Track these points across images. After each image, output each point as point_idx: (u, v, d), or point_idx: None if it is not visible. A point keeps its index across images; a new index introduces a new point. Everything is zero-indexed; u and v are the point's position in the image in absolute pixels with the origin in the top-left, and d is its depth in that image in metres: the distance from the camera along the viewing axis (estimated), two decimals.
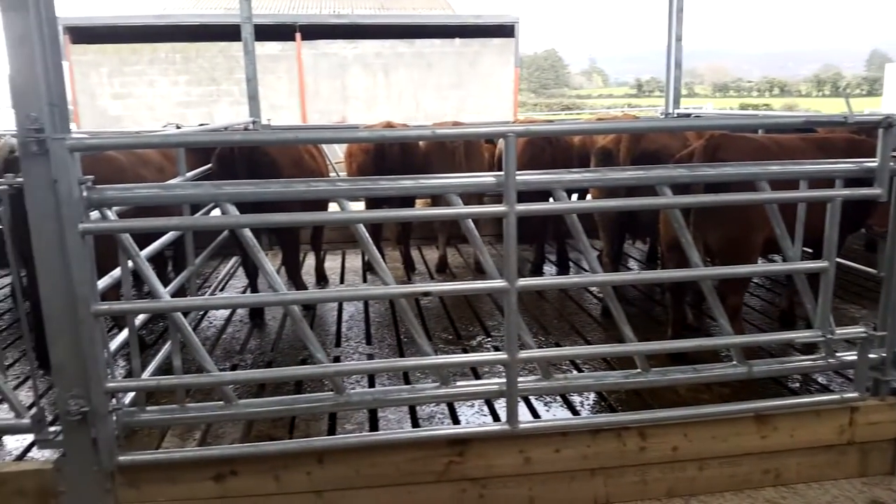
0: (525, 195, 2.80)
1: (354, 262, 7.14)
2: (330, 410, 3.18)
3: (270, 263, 2.84)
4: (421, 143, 6.05)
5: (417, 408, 3.62)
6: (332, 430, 3.55)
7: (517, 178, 2.77)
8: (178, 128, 6.05)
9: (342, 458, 2.91)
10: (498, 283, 2.87)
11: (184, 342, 2.89)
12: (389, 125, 6.45)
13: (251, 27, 7.95)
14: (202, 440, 3.49)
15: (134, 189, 2.72)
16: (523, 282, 2.90)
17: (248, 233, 2.69)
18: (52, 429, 2.86)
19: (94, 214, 2.68)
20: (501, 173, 2.79)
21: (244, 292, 6.06)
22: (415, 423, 3.53)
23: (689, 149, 4.04)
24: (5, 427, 2.89)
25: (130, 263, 2.82)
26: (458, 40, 19.23)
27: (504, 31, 19.78)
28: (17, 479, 2.81)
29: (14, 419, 2.83)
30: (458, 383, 3.02)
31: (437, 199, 5.93)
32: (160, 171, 4.60)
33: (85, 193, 2.58)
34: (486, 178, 2.91)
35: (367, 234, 2.79)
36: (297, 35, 17.24)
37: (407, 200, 5.86)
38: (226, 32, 16.69)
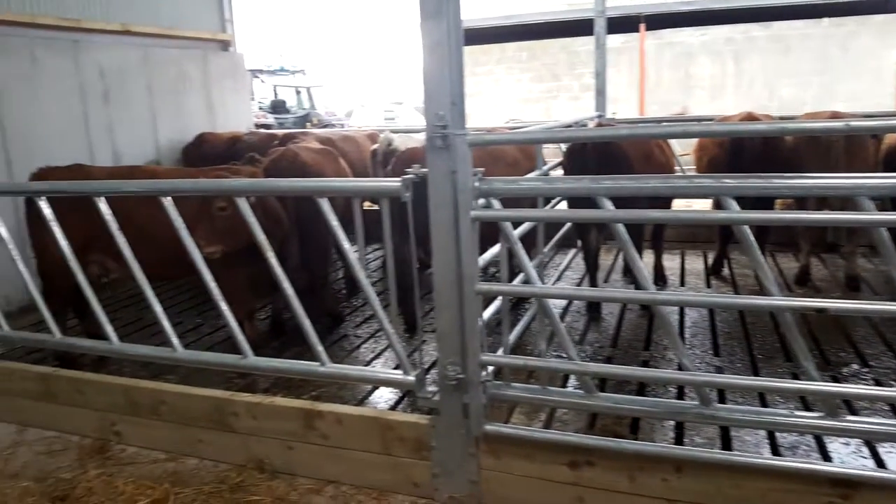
0: None
1: (695, 263, 6.77)
2: (696, 421, 3.05)
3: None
4: (787, 136, 5.44)
5: (777, 435, 3.31)
6: (678, 439, 3.43)
7: None
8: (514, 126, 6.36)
9: (703, 473, 2.76)
10: None
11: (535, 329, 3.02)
12: (751, 116, 5.94)
13: (604, 21, 8.00)
14: (547, 423, 3.65)
15: (518, 181, 2.92)
16: None
17: (621, 228, 2.69)
18: (429, 389, 3.24)
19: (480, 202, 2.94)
20: None
21: (579, 284, 6.18)
22: (774, 451, 3.23)
23: None
24: (394, 381, 3.36)
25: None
26: (825, 20, 16.90)
27: (889, 6, 16.79)
28: (400, 428, 3.25)
29: (401, 375, 3.26)
30: (848, 418, 2.62)
31: (801, 201, 5.30)
32: (513, 165, 4.86)
33: (476, 184, 2.84)
34: None
35: (753, 238, 2.57)
36: (642, 26, 16.89)
37: (764, 201, 5.32)
38: (570, 28, 17.13)
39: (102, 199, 3.64)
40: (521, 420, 3.64)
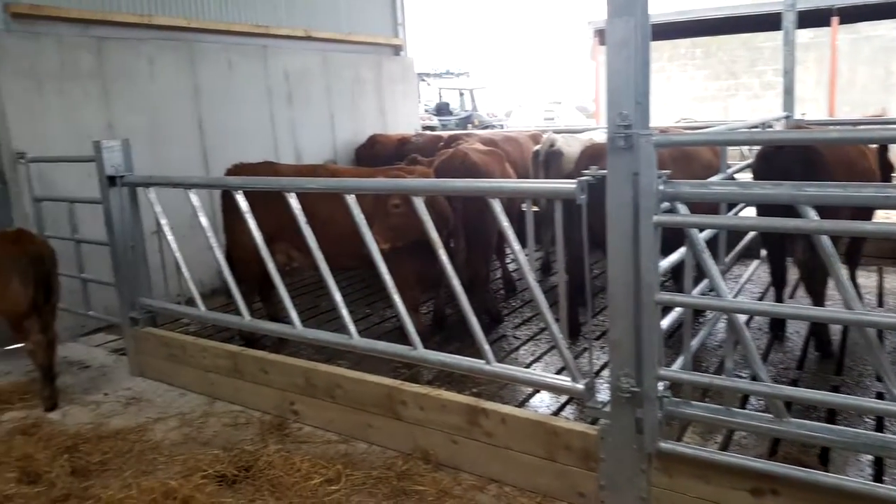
0: None
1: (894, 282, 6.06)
2: None
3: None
4: None
5: None
6: (877, 477, 3.08)
7: None
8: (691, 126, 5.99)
9: None
10: None
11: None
12: None
13: (793, 15, 7.37)
14: (724, 446, 3.42)
15: (709, 185, 2.74)
16: None
17: (826, 240, 2.44)
18: (599, 399, 3.15)
19: (665, 206, 2.80)
20: None
21: (760, 299, 5.73)
22: None
23: None
24: (561, 387, 3.30)
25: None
26: None
27: None
28: (567, 435, 3.18)
29: (570, 383, 3.19)
30: None
31: None
32: (707, 167, 4.59)
33: (661, 187, 2.71)
34: None
35: None
36: (834, 19, 15.41)
37: None
38: (752, 23, 16.01)
39: (293, 194, 3.91)
40: (694, 440, 3.46)
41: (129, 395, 4.76)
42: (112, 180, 4.78)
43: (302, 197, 4.00)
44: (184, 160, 6.75)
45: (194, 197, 4.44)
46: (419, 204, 3.48)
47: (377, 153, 8.26)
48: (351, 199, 3.68)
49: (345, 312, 3.82)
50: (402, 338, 3.70)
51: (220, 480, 3.46)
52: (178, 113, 6.78)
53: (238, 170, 5.33)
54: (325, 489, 3.32)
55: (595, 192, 2.93)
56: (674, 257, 3.16)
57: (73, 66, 5.92)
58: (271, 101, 7.83)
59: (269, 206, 4.41)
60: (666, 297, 2.77)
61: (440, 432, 3.53)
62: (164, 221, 4.65)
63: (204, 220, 4.44)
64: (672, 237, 3.09)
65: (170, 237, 4.64)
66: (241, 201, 4.19)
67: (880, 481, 2.96)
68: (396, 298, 3.65)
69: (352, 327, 3.83)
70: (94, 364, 5.39)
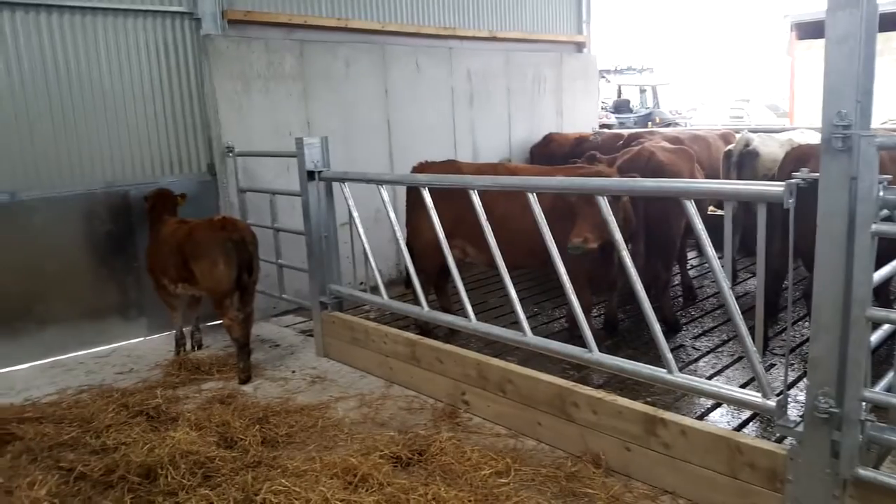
0: None
1: None
2: None
3: None
4: None
5: None
6: None
7: None
8: None
9: None
10: None
11: None
12: None
13: None
14: None
15: None
16: None
17: None
18: (792, 417, 2.92)
19: (883, 213, 2.54)
20: None
21: None
22: None
23: None
24: (750, 403, 3.09)
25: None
26: None
27: None
28: (752, 453, 2.99)
29: (760, 398, 2.99)
30: None
31: None
32: None
33: (881, 193, 2.46)
34: None
35: None
36: None
37: None
38: None
39: (475, 191, 4.02)
40: (893, 469, 3.09)
41: (315, 373, 5.15)
42: (311, 175, 5.19)
43: (481, 194, 4.10)
44: (371, 157, 7.19)
45: (385, 192, 4.71)
46: (603, 204, 3.43)
47: (552, 152, 8.25)
48: (532, 197, 3.71)
49: (520, 309, 3.86)
50: (571, 339, 3.68)
51: (396, 461, 3.61)
52: (368, 113, 7.23)
53: (424, 167, 5.56)
54: (494, 481, 3.38)
55: (802, 196, 2.73)
56: (885, 270, 2.85)
57: (279, 68, 6.51)
58: (454, 101, 8.09)
59: (448, 202, 4.57)
60: (881, 313, 2.51)
61: (613, 438, 3.46)
62: (355, 214, 4.97)
63: (392, 214, 4.69)
64: (884, 249, 2.78)
65: (360, 229, 4.95)
66: (427, 197, 4.37)
67: None
68: (573, 298, 3.63)
69: (526, 325, 3.86)
70: (283, 343, 5.90)
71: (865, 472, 2.63)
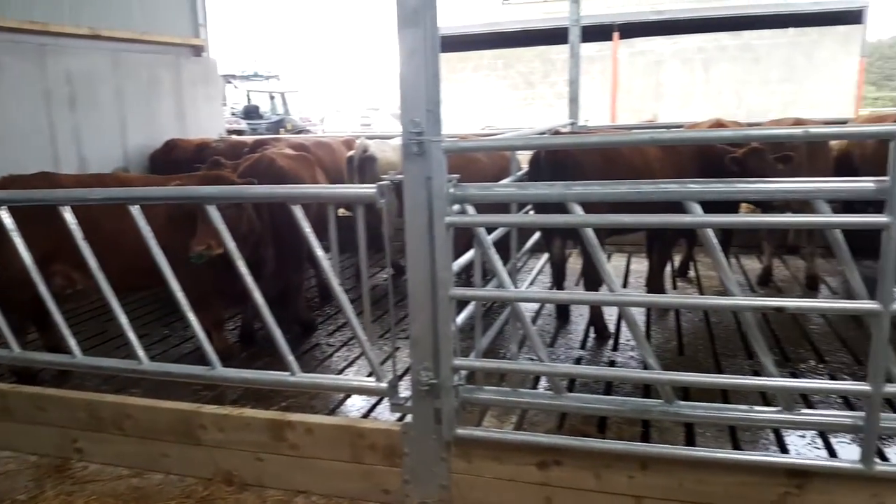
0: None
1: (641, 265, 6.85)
2: (660, 418, 3.09)
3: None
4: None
5: (738, 430, 3.49)
6: (645, 437, 3.48)
7: None
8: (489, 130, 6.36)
9: (666, 469, 2.81)
10: (868, 305, 2.48)
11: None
12: (719, 124, 6.01)
13: (578, 30, 8.05)
14: (518, 425, 3.65)
15: (493, 188, 2.90)
16: None
17: (590, 232, 2.71)
18: (402, 395, 3.20)
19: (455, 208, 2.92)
20: (885, 178, 2.40)
21: (551, 288, 6.19)
22: (735, 445, 3.38)
23: None
24: (366, 388, 3.31)
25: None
26: (791, 30, 17.32)
27: (849, 17, 17.31)
28: (372, 435, 3.20)
29: (374, 382, 3.21)
30: (804, 411, 2.70)
31: (762, 204, 5.39)
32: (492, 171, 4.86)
33: (451, 190, 2.82)
34: (864, 183, 2.51)
35: (716, 240, 2.60)
36: (615, 35, 17.13)
37: (729, 206, 5.38)
38: (546, 36, 17.25)
39: (68, 208, 3.53)
40: (492, 423, 3.65)
41: None
42: None
43: (83, 210, 3.62)
44: None
45: None
46: (213, 213, 3.30)
47: (175, 158, 7.77)
48: (136, 210, 3.40)
49: (131, 335, 3.51)
50: (205, 358, 3.49)
51: None
52: None
53: (7, 183, 4.70)
54: None
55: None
56: (467, 256, 3.30)
57: None
58: (51, 105, 7.07)
59: (45, 223, 3.95)
60: (459, 291, 2.89)
61: (244, 451, 3.37)
62: None
63: None
64: (469, 240, 3.22)
65: None
66: (6, 218, 3.70)
67: (647, 441, 3.36)
68: (190, 315, 3.43)
69: (140, 351, 3.52)
70: None
71: (462, 431, 3.02)
